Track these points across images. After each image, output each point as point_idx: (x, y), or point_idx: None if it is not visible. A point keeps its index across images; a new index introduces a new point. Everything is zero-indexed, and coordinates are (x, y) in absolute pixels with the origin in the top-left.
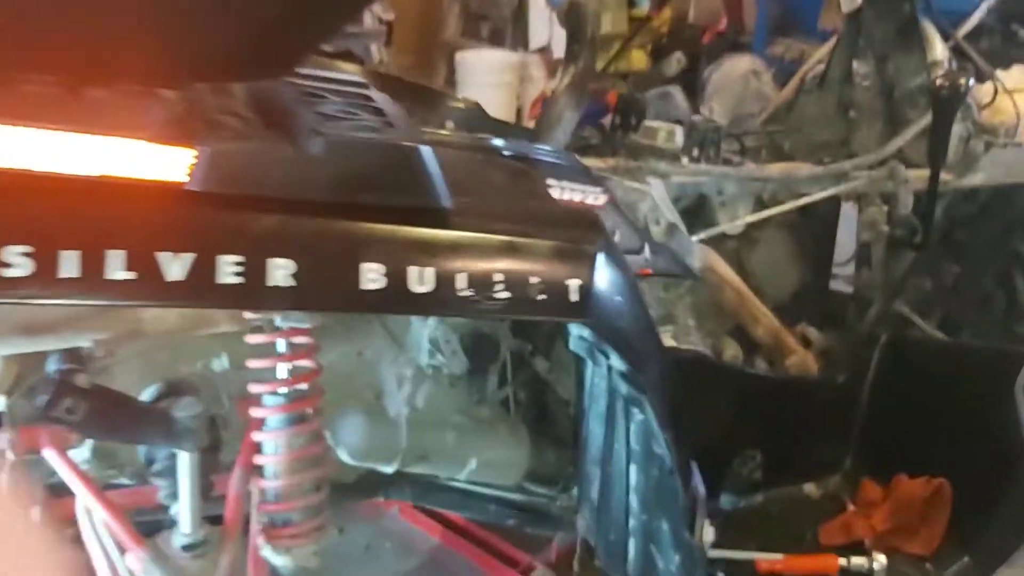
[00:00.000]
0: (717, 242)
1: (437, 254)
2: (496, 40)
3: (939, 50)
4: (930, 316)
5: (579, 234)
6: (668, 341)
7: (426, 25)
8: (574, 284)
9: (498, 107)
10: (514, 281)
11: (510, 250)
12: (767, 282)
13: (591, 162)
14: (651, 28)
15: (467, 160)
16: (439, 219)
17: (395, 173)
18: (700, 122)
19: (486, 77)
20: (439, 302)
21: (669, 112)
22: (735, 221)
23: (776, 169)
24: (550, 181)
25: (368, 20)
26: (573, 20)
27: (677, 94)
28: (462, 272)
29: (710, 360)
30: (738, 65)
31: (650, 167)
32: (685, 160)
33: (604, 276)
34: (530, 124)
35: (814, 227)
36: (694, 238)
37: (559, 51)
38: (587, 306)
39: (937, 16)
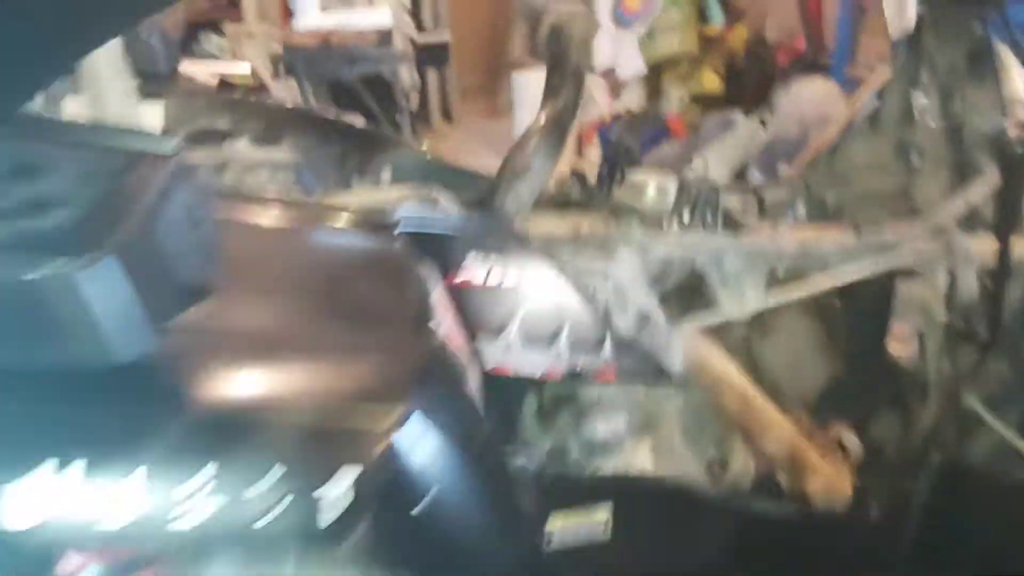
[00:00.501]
0: (720, 331)
1: None
2: None
3: (1019, 83)
4: (1008, 412)
5: (371, 401)
6: (647, 458)
7: (491, 44)
8: (328, 498)
9: None
10: (223, 494)
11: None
12: (788, 379)
13: (558, 224)
14: (724, 47)
15: (291, 260)
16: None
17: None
18: (692, 179)
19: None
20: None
21: None
22: (739, 305)
23: (791, 239)
24: (461, 261)
25: (398, 42)
26: (554, 46)
27: (742, 123)
28: None
29: (694, 491)
30: (808, 89)
31: (621, 235)
32: (675, 225)
33: (398, 481)
34: (591, 150)
35: (858, 304)
36: (687, 326)
37: (624, 72)
38: (349, 528)
39: (1018, 40)
